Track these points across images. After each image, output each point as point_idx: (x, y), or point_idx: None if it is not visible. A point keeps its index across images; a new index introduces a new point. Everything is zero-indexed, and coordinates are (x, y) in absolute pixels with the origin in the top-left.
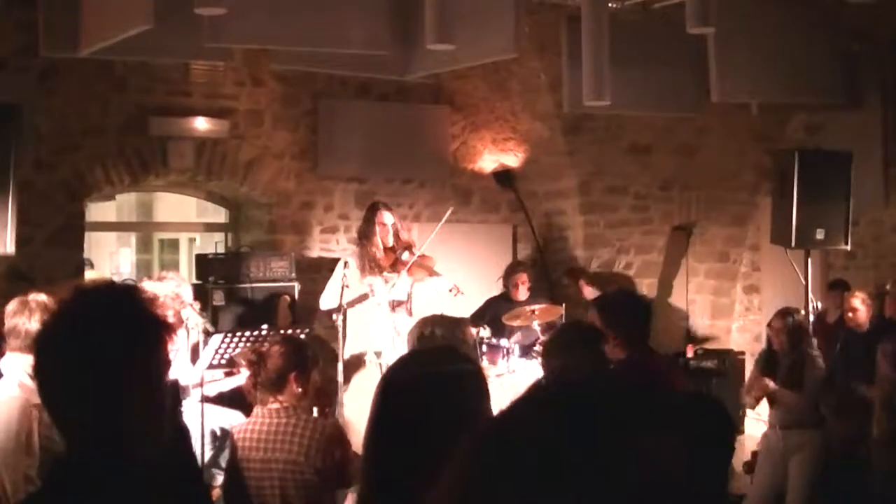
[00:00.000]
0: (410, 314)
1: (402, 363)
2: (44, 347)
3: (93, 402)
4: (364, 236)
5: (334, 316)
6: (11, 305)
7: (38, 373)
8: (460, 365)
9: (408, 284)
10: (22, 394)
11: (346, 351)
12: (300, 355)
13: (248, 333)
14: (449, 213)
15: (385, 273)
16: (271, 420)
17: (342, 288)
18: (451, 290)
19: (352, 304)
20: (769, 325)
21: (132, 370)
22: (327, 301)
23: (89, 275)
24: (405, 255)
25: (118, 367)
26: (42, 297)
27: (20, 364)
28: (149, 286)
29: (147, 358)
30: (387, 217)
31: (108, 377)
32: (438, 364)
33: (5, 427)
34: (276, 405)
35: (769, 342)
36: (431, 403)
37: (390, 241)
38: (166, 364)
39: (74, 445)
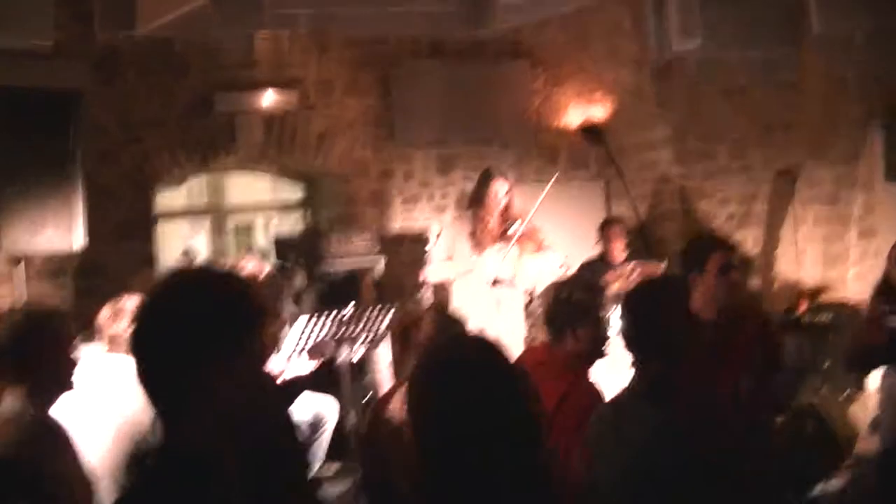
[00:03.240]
0: (515, 287)
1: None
2: (139, 328)
3: (188, 392)
4: (477, 203)
5: (422, 289)
6: (105, 312)
7: (135, 354)
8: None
9: (514, 258)
10: None
11: None
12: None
13: (333, 314)
14: (554, 179)
15: (496, 244)
16: None
17: (427, 259)
18: (562, 267)
19: (455, 277)
20: (889, 255)
21: (230, 358)
22: (436, 272)
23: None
24: (514, 227)
25: (216, 355)
26: (135, 300)
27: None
28: None
29: (245, 345)
30: (502, 186)
31: (206, 365)
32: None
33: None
34: None
35: (887, 276)
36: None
37: (501, 211)
38: (265, 351)
39: (168, 434)
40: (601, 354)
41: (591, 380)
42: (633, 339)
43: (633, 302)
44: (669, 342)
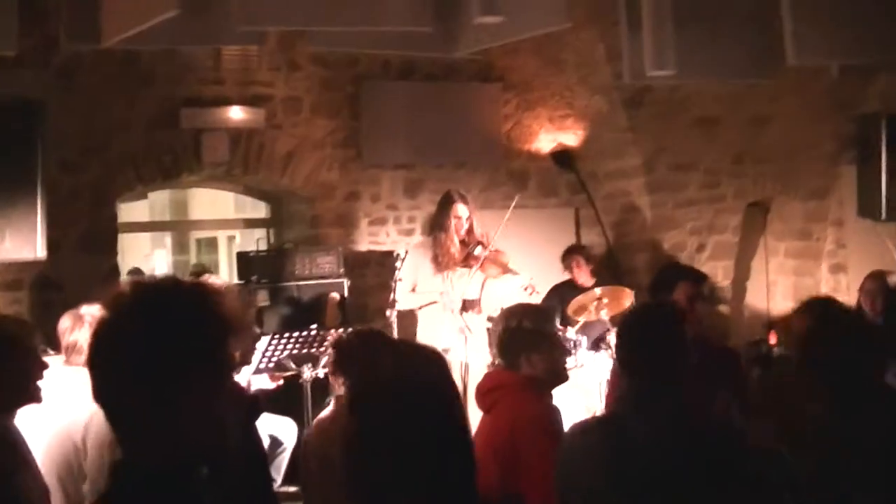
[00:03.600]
0: (480, 312)
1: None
2: (99, 346)
3: (149, 407)
4: (438, 228)
5: (388, 312)
6: (65, 321)
7: (93, 371)
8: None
9: (479, 282)
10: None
11: None
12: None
13: (296, 335)
14: (514, 203)
15: (457, 269)
16: None
17: (395, 282)
18: (526, 289)
19: (420, 307)
20: (861, 288)
21: (195, 372)
22: (404, 301)
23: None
24: (478, 250)
25: (180, 369)
26: (95, 310)
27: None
28: None
29: (210, 359)
30: (462, 210)
31: (168, 379)
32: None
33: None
34: None
35: (858, 307)
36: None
37: (463, 235)
38: (230, 365)
39: (129, 451)
40: (561, 379)
41: (551, 403)
42: (624, 360)
43: (628, 325)
44: (660, 363)
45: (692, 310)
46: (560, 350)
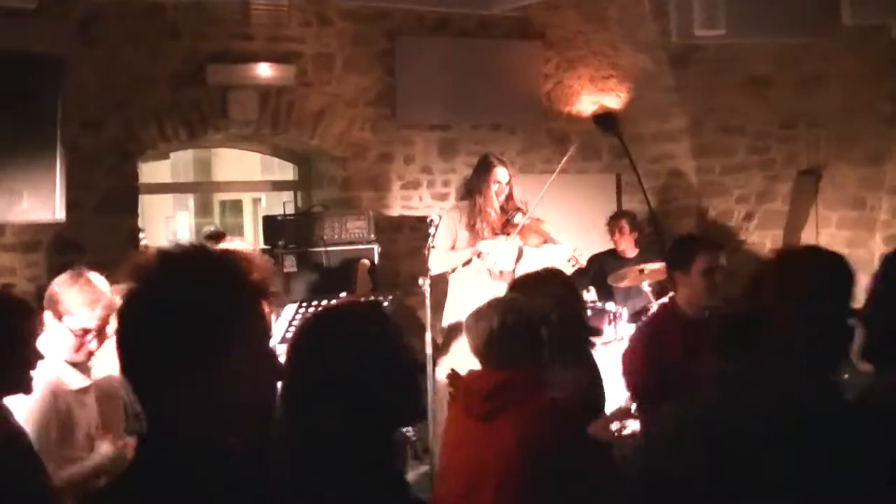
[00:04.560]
0: None
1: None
2: (128, 316)
3: (181, 378)
4: (476, 192)
5: (420, 280)
6: (62, 278)
7: (121, 345)
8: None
9: (515, 252)
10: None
11: (445, 319)
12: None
13: (324, 302)
14: (566, 159)
15: (497, 236)
16: None
17: (428, 249)
18: (569, 261)
19: (453, 269)
20: None
21: (228, 341)
22: (438, 264)
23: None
24: (517, 217)
25: (212, 338)
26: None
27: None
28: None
29: (244, 327)
30: (501, 174)
31: (200, 349)
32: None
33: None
34: None
35: None
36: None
37: (502, 200)
38: (266, 334)
39: (158, 426)
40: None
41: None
42: None
43: None
44: None
45: (710, 281)
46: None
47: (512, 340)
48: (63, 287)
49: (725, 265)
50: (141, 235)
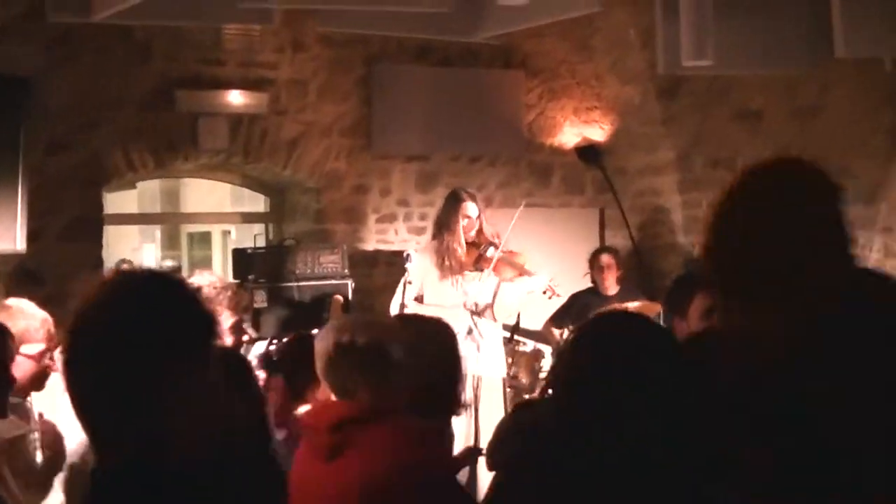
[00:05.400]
0: (495, 319)
1: None
2: (74, 341)
3: (128, 407)
4: (444, 229)
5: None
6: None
7: (68, 371)
8: None
9: (492, 286)
10: None
11: None
12: None
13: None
14: (521, 207)
15: (467, 272)
16: None
17: (404, 286)
18: (545, 292)
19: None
20: None
21: (175, 370)
22: (395, 304)
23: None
24: (490, 252)
25: (159, 367)
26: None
27: None
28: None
29: (192, 356)
30: (471, 209)
31: (147, 377)
32: None
33: None
34: None
35: None
36: None
37: (472, 236)
38: (211, 360)
39: (106, 457)
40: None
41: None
42: None
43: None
44: None
45: (710, 323)
46: (395, 375)
47: (349, 364)
48: None
49: None
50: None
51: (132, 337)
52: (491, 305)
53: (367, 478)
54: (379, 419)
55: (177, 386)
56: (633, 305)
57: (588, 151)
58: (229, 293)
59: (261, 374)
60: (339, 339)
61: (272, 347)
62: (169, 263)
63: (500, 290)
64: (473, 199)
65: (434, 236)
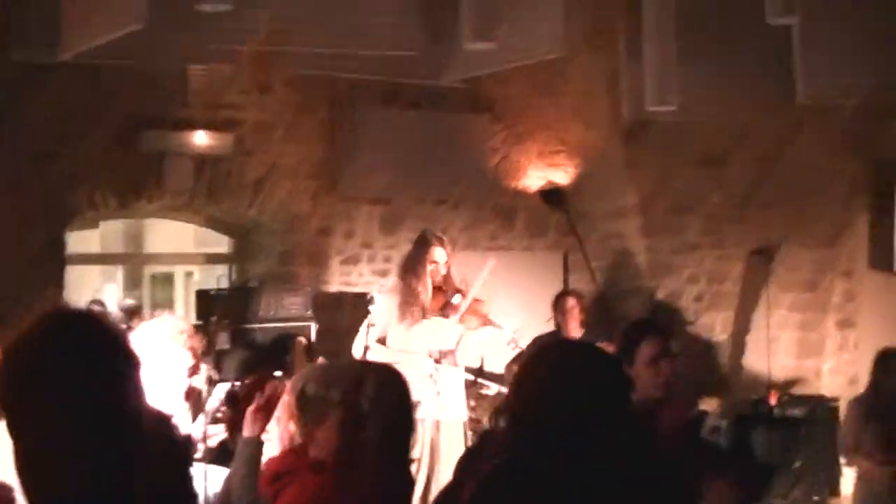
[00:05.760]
0: (457, 365)
1: None
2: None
3: (31, 446)
4: (411, 272)
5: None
6: None
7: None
8: None
9: (457, 332)
10: None
11: None
12: None
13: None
14: (488, 267)
15: (432, 317)
16: None
17: (367, 327)
18: (509, 344)
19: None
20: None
21: (94, 407)
22: (357, 346)
23: None
24: (456, 299)
25: (77, 403)
26: None
27: None
28: (146, 326)
29: (113, 395)
30: (439, 254)
31: (67, 415)
32: None
33: None
34: None
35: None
36: None
37: (438, 280)
38: (137, 406)
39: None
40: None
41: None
42: None
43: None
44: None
45: (657, 372)
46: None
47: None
48: None
49: (677, 352)
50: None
51: (45, 373)
52: (453, 352)
53: None
54: (311, 470)
55: (94, 424)
56: None
57: (552, 195)
58: (187, 335)
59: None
60: (300, 387)
61: (237, 385)
62: (129, 302)
63: (463, 338)
64: (442, 243)
65: (400, 278)
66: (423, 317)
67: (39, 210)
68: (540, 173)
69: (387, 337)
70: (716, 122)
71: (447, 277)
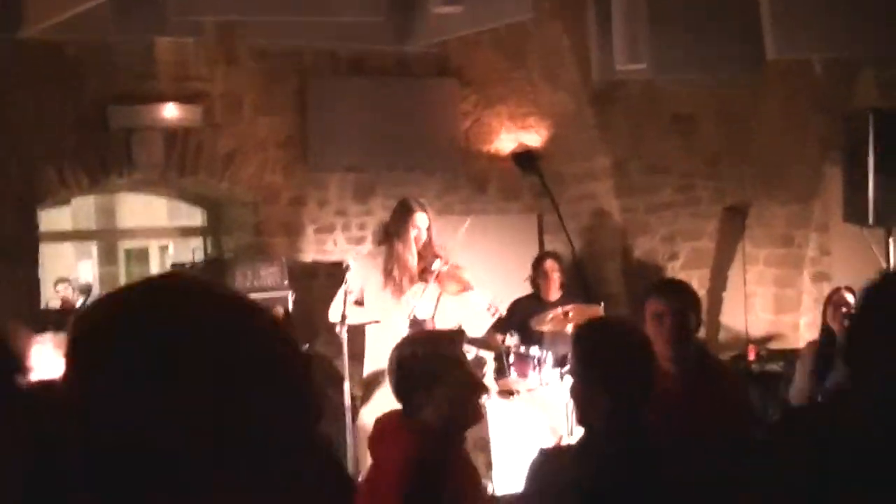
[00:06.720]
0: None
1: None
2: None
3: None
4: (395, 238)
5: (337, 329)
6: None
7: None
8: None
9: (433, 299)
10: None
11: (366, 369)
12: None
13: None
14: (466, 225)
15: (415, 283)
16: None
17: (345, 294)
18: (489, 309)
19: (364, 324)
20: (827, 300)
21: None
22: (334, 312)
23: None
24: (436, 264)
25: None
26: None
27: None
28: None
29: None
30: (422, 219)
31: None
32: None
33: None
34: None
35: (826, 330)
36: None
37: (420, 247)
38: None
39: None
40: (470, 418)
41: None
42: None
43: (581, 340)
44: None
45: (660, 328)
46: (463, 384)
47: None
48: None
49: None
50: (59, 288)
51: None
52: (432, 318)
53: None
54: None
55: None
56: (571, 308)
57: (524, 157)
58: None
59: None
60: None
61: None
62: (81, 281)
63: (441, 303)
64: (424, 209)
65: (381, 243)
66: (411, 283)
67: (9, 189)
68: (512, 136)
69: (363, 301)
70: (686, 83)
71: (428, 243)
